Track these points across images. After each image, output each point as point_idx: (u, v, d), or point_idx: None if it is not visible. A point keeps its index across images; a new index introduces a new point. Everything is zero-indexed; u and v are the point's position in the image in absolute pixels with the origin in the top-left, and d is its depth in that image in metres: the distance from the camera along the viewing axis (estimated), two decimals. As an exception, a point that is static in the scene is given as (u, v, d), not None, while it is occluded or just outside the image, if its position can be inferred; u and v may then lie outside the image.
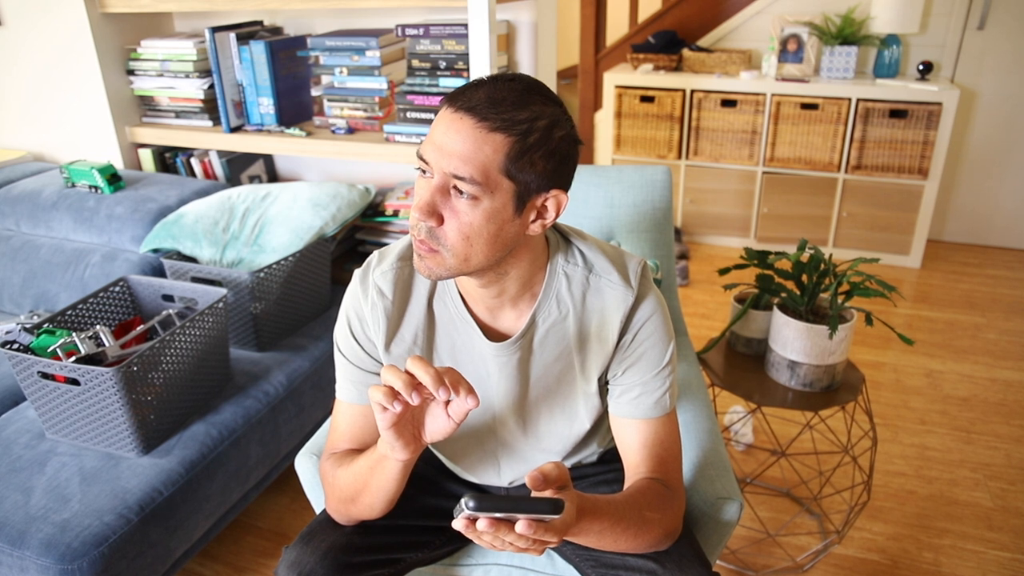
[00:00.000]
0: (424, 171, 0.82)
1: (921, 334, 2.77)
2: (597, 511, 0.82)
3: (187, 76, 2.13)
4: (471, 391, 0.77)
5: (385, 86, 1.96)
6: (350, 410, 1.01)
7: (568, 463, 1.11)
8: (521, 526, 0.69)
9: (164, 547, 1.36)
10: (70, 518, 1.26)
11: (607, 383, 0.99)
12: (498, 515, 0.68)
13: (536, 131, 0.79)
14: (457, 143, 0.78)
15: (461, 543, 1.15)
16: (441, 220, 0.81)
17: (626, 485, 0.97)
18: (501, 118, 0.78)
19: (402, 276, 0.97)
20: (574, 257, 0.96)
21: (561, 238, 0.97)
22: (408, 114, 1.91)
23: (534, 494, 0.74)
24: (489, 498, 0.68)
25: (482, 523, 0.69)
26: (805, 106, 3.23)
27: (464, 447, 1.08)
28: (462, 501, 0.68)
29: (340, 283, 2.07)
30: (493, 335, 0.96)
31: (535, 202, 0.83)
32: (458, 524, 0.70)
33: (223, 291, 1.59)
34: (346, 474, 0.96)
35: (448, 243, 0.82)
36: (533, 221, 0.85)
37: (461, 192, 0.79)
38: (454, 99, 0.81)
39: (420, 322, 0.97)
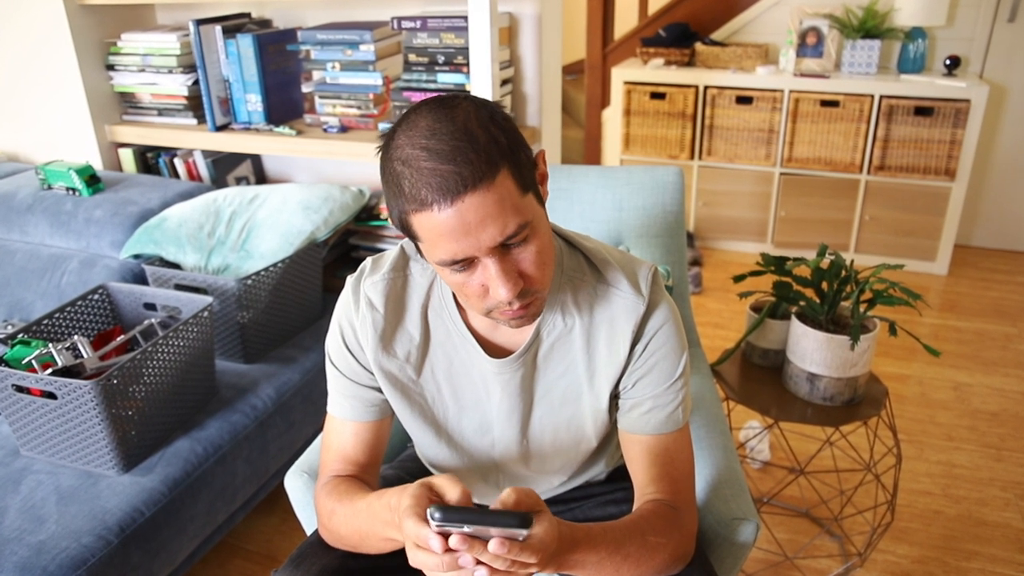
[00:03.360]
0: (463, 268, 0.80)
1: (948, 345, 2.77)
2: (591, 541, 0.82)
3: (170, 71, 2.14)
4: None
5: (380, 82, 1.97)
6: (343, 427, 1.00)
7: (574, 483, 1.12)
8: (494, 544, 0.69)
9: (146, 570, 1.36)
10: (46, 540, 1.26)
11: (617, 397, 0.99)
12: (467, 529, 0.70)
13: (492, 133, 0.77)
14: (486, 220, 0.75)
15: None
16: (522, 275, 0.82)
17: (635, 505, 0.97)
18: (482, 161, 0.74)
19: (395, 288, 0.96)
20: (580, 264, 0.96)
21: (565, 244, 0.97)
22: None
23: (495, 506, 0.74)
24: (455, 510, 0.70)
25: (455, 540, 0.70)
26: (825, 103, 3.24)
27: (461, 468, 1.08)
28: (428, 511, 0.70)
29: (332, 291, 2.07)
30: (493, 350, 0.96)
31: (537, 177, 0.84)
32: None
33: (208, 299, 1.60)
34: (346, 523, 0.93)
35: (537, 285, 0.83)
36: (541, 192, 0.86)
37: (523, 241, 0.80)
38: (429, 199, 0.75)
39: (414, 339, 0.97)
